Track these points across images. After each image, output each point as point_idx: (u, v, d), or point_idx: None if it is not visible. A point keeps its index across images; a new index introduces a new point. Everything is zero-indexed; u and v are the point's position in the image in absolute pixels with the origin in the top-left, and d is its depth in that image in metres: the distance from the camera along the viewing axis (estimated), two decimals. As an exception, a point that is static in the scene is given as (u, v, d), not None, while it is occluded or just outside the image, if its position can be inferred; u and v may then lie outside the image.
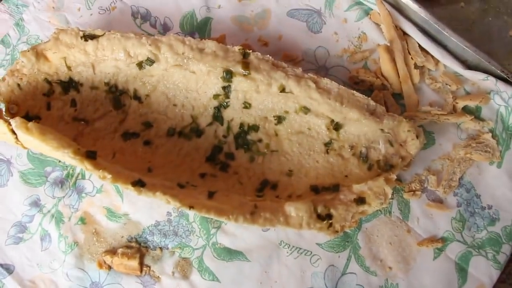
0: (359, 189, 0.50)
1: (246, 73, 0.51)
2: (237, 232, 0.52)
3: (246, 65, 0.52)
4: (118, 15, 0.58)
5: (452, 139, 0.56)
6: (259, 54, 0.52)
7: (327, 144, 0.53)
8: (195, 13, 0.59)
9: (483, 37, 0.57)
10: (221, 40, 0.58)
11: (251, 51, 0.52)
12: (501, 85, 0.54)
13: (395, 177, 0.51)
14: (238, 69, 0.51)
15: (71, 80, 0.54)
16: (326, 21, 0.59)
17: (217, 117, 0.54)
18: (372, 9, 0.59)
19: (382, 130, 0.52)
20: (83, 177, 0.54)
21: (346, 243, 0.53)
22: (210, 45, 0.53)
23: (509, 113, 0.55)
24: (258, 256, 0.52)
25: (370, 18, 0.59)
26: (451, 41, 0.55)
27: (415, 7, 0.54)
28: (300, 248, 0.53)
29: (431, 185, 0.55)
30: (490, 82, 0.55)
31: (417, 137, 0.52)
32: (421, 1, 0.58)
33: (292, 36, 0.58)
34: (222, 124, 0.54)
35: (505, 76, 0.54)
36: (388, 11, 0.56)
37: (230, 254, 0.53)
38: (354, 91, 0.52)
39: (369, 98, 0.52)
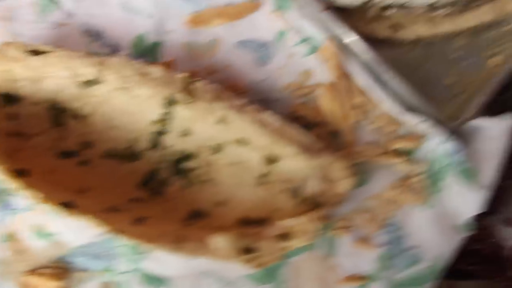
0: (286, 224, 0.52)
1: (188, 101, 0.52)
2: (165, 259, 0.54)
3: (189, 93, 0.53)
4: (70, 32, 0.60)
5: (385, 179, 0.58)
6: (203, 83, 0.54)
7: (262, 177, 0.55)
8: (147, 36, 0.60)
9: (422, 82, 0.60)
10: (169, 65, 0.59)
11: (196, 79, 0.53)
12: (435, 130, 0.56)
13: (323, 214, 0.52)
14: (181, 96, 0.52)
15: (12, 94, 0.54)
16: (274, 54, 0.60)
17: (156, 142, 0.56)
18: (320, 46, 0.59)
19: (316, 167, 0.53)
20: (12, 193, 0.54)
21: (270, 277, 0.54)
22: (155, 71, 0.54)
23: (442, 156, 0.57)
24: (183, 285, 0.53)
25: (317, 54, 0.60)
26: (392, 83, 0.56)
27: (362, 47, 0.56)
28: (225, 280, 0.54)
29: (360, 224, 0.56)
30: (425, 126, 0.57)
31: (349, 176, 0.53)
32: (368, 42, 0.60)
33: (239, 66, 0.60)
34: (159, 150, 0.55)
35: (438, 122, 0.56)
36: (335, 49, 0.57)
37: (155, 281, 0.54)
38: (293, 126, 0.53)
39: (307, 134, 0.53)
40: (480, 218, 0.58)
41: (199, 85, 0.53)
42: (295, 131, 0.53)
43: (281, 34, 0.61)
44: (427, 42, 0.65)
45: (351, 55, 0.59)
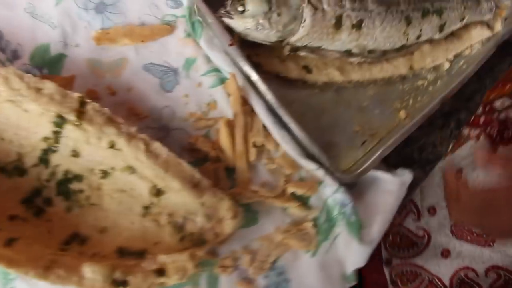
0: (163, 260, 0.51)
1: (78, 123, 0.50)
2: (37, 281, 0.51)
3: (80, 114, 0.52)
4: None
5: (276, 221, 0.57)
6: (96, 105, 0.52)
7: (146, 208, 0.54)
8: (50, 46, 0.58)
9: (329, 126, 0.60)
10: (69, 80, 0.57)
11: (90, 100, 0.51)
12: (329, 179, 0.56)
13: (205, 252, 0.51)
14: (71, 117, 0.52)
15: None
16: (180, 81, 0.60)
17: (44, 160, 0.54)
18: (227, 79, 0.59)
19: (202, 203, 0.52)
20: None
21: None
22: (49, 87, 0.52)
23: (334, 205, 0.57)
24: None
25: (224, 87, 0.59)
26: (292, 127, 0.56)
27: (262, 87, 0.55)
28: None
29: (245, 264, 0.56)
30: (321, 174, 0.56)
31: (237, 216, 0.52)
32: (280, 80, 0.59)
33: (143, 90, 0.59)
34: (47, 168, 0.53)
35: (333, 171, 0.56)
36: (239, 85, 0.57)
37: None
38: (182, 161, 0.53)
39: (197, 170, 0.53)
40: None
41: (93, 107, 0.52)
42: (183, 166, 0.53)
43: (189, 62, 0.60)
44: (339, 87, 0.65)
45: (255, 93, 0.57)
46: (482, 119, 0.73)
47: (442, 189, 0.74)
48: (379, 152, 0.61)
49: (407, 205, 0.76)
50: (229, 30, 0.59)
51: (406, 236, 0.77)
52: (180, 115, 0.60)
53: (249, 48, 0.61)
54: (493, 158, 0.58)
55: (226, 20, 0.58)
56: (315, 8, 0.59)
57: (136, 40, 0.61)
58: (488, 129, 0.69)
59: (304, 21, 0.59)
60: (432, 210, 0.75)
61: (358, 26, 0.62)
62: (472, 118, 0.74)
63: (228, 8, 0.58)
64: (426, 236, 0.75)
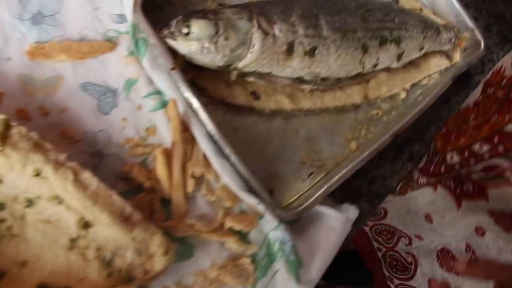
0: (86, 298, 0.47)
1: (0, 149, 0.46)
2: None
3: (4, 139, 0.47)
4: None
5: (212, 256, 0.55)
6: (23, 129, 0.49)
7: (73, 241, 0.51)
8: (-20, 59, 0.53)
9: (276, 157, 0.57)
10: (-2, 97, 0.53)
11: (15, 123, 0.47)
12: (269, 215, 0.53)
13: (134, 289, 0.48)
14: (-6, 141, 0.46)
15: None
16: (119, 103, 0.56)
17: (-37, 184, 0.49)
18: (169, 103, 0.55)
19: (133, 238, 0.49)
20: None
21: None
22: (-32, 106, 0.47)
23: (274, 241, 0.54)
24: None
25: (165, 111, 0.55)
26: (233, 159, 0.53)
27: (203, 116, 0.52)
28: None
29: (177, 300, 0.53)
30: (262, 209, 0.54)
31: (168, 251, 0.49)
32: (223, 105, 0.57)
33: (78, 111, 0.55)
34: (-33, 194, 0.49)
35: (274, 207, 0.53)
36: (180, 111, 0.53)
37: None
38: (113, 193, 0.50)
39: (128, 202, 0.49)
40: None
41: (18, 131, 0.48)
42: (113, 198, 0.50)
43: (130, 83, 0.57)
44: (288, 114, 0.62)
45: (197, 120, 0.54)
46: (432, 168, 0.71)
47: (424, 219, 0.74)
48: (325, 187, 0.59)
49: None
50: (173, 51, 0.55)
51: (399, 259, 0.76)
52: (116, 140, 0.56)
53: (194, 70, 0.58)
54: (474, 267, 0.56)
55: (170, 41, 0.55)
56: (266, 34, 0.56)
57: (73, 56, 0.57)
58: (443, 180, 0.67)
59: (253, 47, 0.56)
60: (418, 237, 0.74)
61: (311, 53, 0.59)
62: (423, 164, 0.72)
63: (172, 29, 0.54)
64: (413, 262, 0.74)
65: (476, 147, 0.60)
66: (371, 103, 0.69)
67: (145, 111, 0.58)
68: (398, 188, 0.70)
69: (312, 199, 0.58)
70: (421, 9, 0.76)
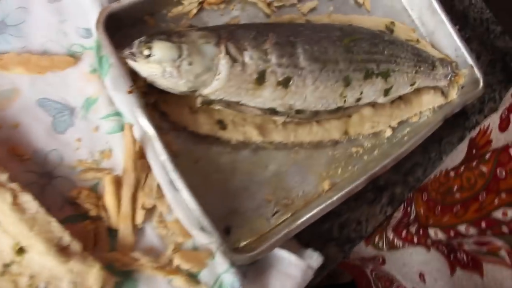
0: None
1: None
2: None
3: None
4: None
5: (157, 294, 0.50)
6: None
7: (7, 266, 0.47)
8: None
9: (239, 191, 0.53)
10: None
11: None
12: (220, 257, 0.49)
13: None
14: None
15: None
16: (75, 123, 0.53)
17: None
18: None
19: (69, 269, 0.45)
20: None
21: None
22: None
23: (226, 284, 0.50)
24: None
25: (123, 135, 0.52)
26: (186, 194, 0.49)
27: (158, 146, 0.48)
28: None
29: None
30: (214, 248, 0.50)
31: (106, 285, 0.46)
32: (187, 132, 0.53)
33: (31, 128, 0.53)
34: None
35: (224, 250, 0.49)
36: (135, 138, 0.50)
37: None
38: (53, 219, 0.47)
39: (67, 231, 0.46)
40: None
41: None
42: (52, 225, 0.47)
43: (90, 102, 0.54)
44: (257, 146, 0.58)
45: (152, 149, 0.50)
46: (405, 233, 0.66)
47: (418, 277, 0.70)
48: (287, 230, 0.55)
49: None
50: (135, 72, 0.52)
51: None
52: (68, 161, 0.53)
53: (158, 93, 0.54)
54: None
55: (130, 62, 0.51)
56: (234, 60, 0.52)
57: (32, 70, 0.54)
58: (436, 244, 0.62)
59: (220, 74, 0.52)
60: None
61: (284, 83, 0.55)
62: (396, 222, 0.67)
63: (133, 50, 0.51)
64: None
65: (462, 228, 0.54)
66: (351, 139, 0.64)
67: (102, 133, 0.55)
68: (375, 232, 0.65)
69: (272, 241, 0.53)
70: (418, 40, 0.71)
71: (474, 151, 0.61)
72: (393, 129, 0.67)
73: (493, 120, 0.60)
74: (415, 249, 0.67)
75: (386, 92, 0.63)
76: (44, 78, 0.56)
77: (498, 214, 0.51)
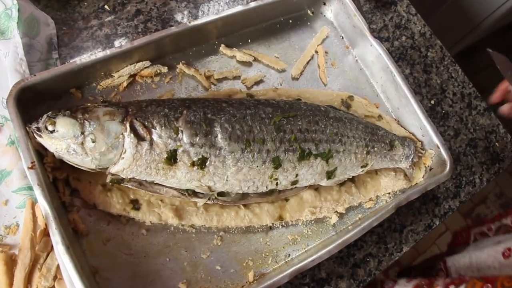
0: None
1: None
2: None
3: None
4: None
5: None
6: None
7: None
8: None
9: (148, 278, 0.52)
10: None
11: None
12: None
13: None
14: None
15: None
16: (-11, 195, 0.53)
17: None
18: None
19: None
20: None
21: None
22: None
23: None
24: None
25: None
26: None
27: (53, 227, 0.48)
28: None
29: None
30: None
31: None
32: (100, 213, 0.52)
33: None
34: None
35: None
36: (38, 215, 0.49)
37: None
38: None
39: None
40: None
41: None
42: None
43: (3, 174, 0.57)
44: (176, 229, 0.55)
45: (55, 228, 0.49)
46: None
47: None
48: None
49: None
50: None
51: None
52: (-31, 236, 0.52)
53: (69, 169, 0.53)
54: None
55: (37, 137, 0.51)
56: (140, 139, 0.51)
57: None
58: None
59: (125, 152, 0.50)
60: None
61: (200, 164, 0.52)
62: None
63: (39, 125, 0.51)
64: None
65: None
66: (288, 226, 0.58)
67: (11, 207, 0.55)
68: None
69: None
70: (380, 116, 0.66)
71: None
72: (340, 215, 0.61)
73: None
74: None
75: (329, 175, 0.58)
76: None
77: None
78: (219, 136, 0.54)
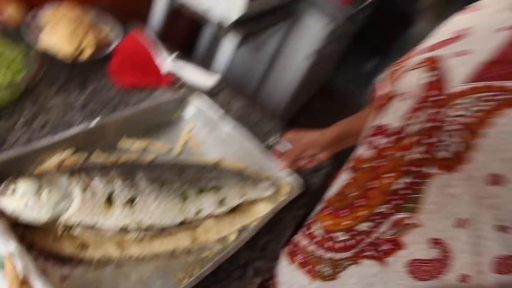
0: None
1: None
2: None
3: None
4: None
5: None
6: None
7: None
8: None
9: None
10: None
11: None
12: None
13: None
14: None
15: None
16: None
17: None
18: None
19: None
20: None
21: None
22: None
23: None
24: None
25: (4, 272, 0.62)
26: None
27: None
28: None
29: None
30: None
31: None
32: (53, 257, 0.64)
33: None
34: None
35: None
36: (13, 266, 0.61)
37: None
38: None
39: None
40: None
41: None
42: None
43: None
44: (120, 261, 0.71)
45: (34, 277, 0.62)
46: None
47: None
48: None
49: None
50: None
51: None
52: None
53: (24, 227, 0.68)
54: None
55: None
56: (86, 186, 0.70)
57: None
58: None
59: (75, 199, 0.68)
60: None
61: (130, 203, 0.72)
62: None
63: (1, 188, 0.66)
64: None
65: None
66: (201, 246, 0.81)
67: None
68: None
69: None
70: (245, 168, 0.96)
71: None
72: (238, 232, 0.86)
73: None
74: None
75: (221, 202, 0.84)
76: None
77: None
78: (142, 180, 0.78)
